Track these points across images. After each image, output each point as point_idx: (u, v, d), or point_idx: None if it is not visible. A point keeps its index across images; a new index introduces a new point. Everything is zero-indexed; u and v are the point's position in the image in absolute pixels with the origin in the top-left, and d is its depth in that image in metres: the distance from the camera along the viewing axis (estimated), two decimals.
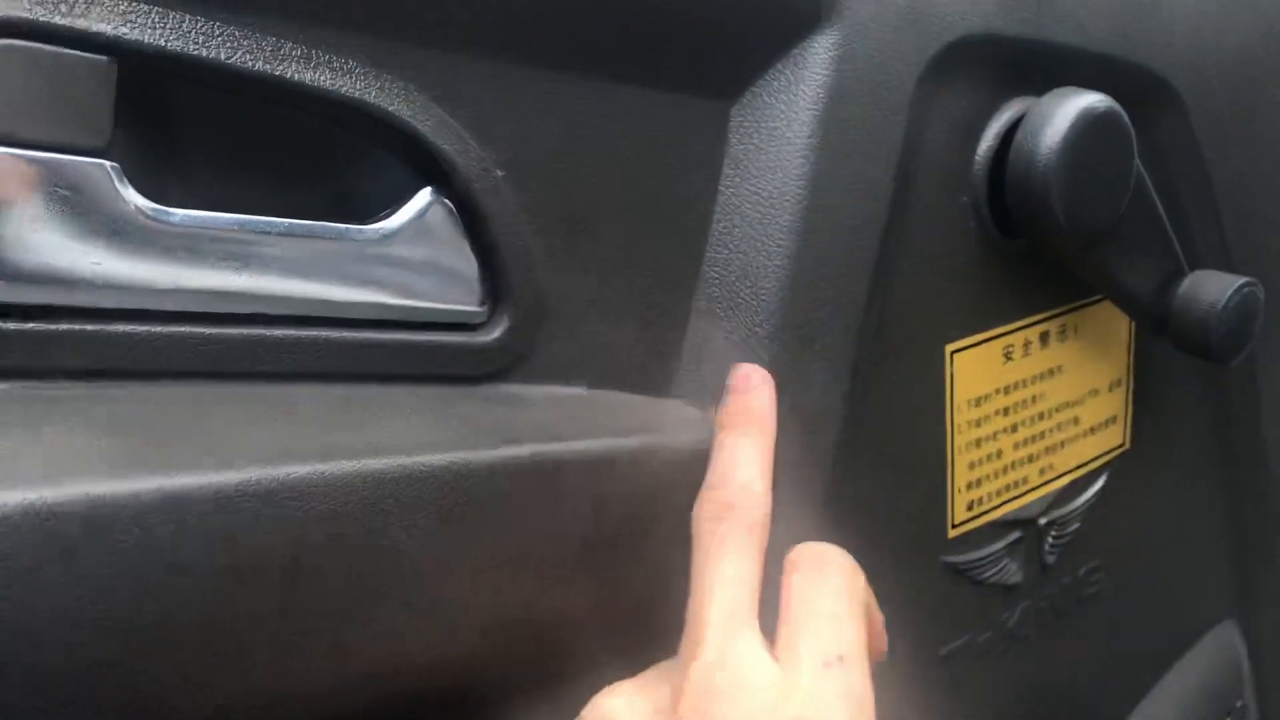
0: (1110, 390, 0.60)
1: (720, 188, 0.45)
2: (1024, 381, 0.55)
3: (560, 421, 0.40)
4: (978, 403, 0.53)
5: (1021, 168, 0.49)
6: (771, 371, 0.44)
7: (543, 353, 0.42)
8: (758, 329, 0.44)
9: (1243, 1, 0.58)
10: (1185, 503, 0.68)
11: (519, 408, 0.40)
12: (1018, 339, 0.54)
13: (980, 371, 0.53)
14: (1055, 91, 0.49)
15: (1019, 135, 0.49)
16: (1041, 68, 0.51)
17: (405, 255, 0.38)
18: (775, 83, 0.45)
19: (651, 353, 0.45)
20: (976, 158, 0.50)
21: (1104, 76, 0.53)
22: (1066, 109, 0.48)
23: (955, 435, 0.53)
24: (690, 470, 0.42)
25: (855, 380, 0.47)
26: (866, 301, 0.46)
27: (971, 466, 0.54)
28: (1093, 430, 0.60)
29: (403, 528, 0.34)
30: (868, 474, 0.50)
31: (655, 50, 0.42)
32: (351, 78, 0.36)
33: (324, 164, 0.38)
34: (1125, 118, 0.49)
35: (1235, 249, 0.61)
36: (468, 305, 0.40)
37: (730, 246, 0.45)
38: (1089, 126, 0.48)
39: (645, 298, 0.44)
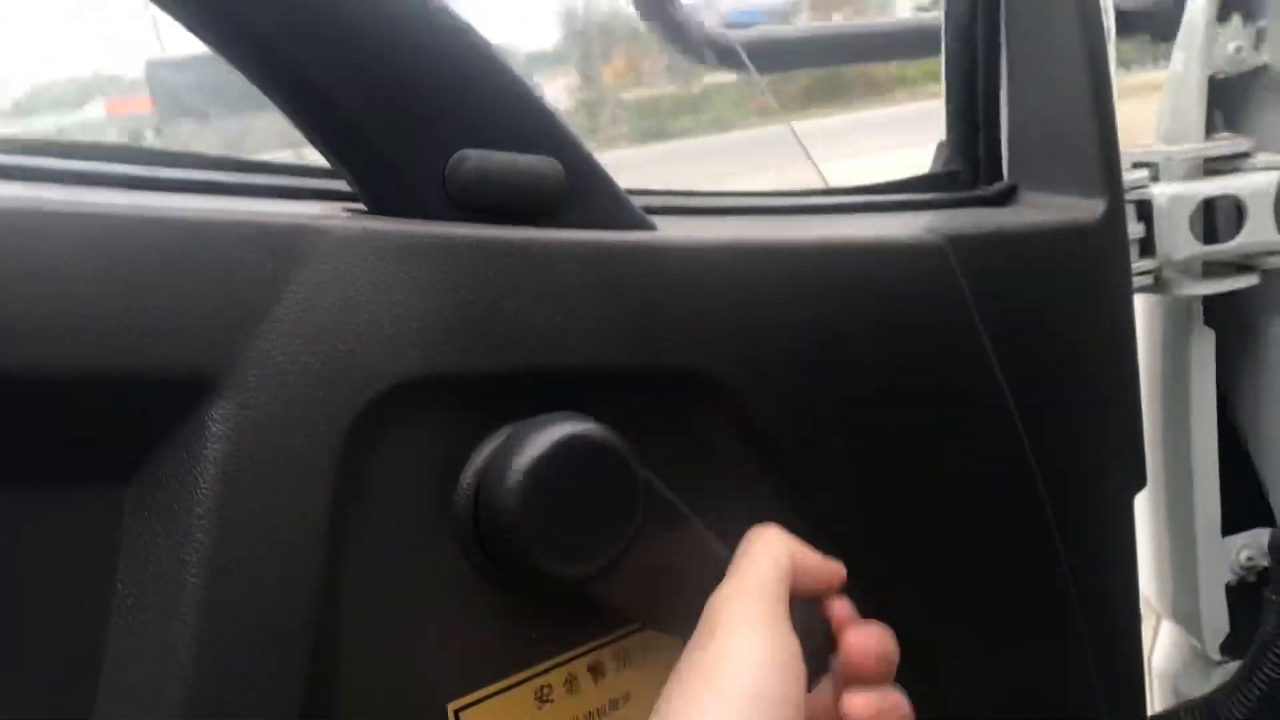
0: None
1: (119, 582, 0.41)
2: None
3: None
4: None
5: (488, 512, 0.45)
6: None
7: None
8: None
9: (800, 286, 0.55)
10: None
11: None
12: (555, 678, 0.49)
13: None
14: (524, 422, 0.46)
15: (485, 476, 0.45)
16: (535, 393, 0.47)
17: None
18: (171, 460, 0.41)
19: None
20: (455, 498, 0.46)
21: (629, 387, 0.50)
22: (528, 445, 0.45)
23: None
24: None
25: None
26: (306, 686, 0.42)
27: None
28: None
29: None
30: None
31: None
32: None
33: None
34: (607, 439, 0.46)
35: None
36: None
37: (139, 648, 0.41)
38: (553, 458, 0.44)
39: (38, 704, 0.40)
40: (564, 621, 0.50)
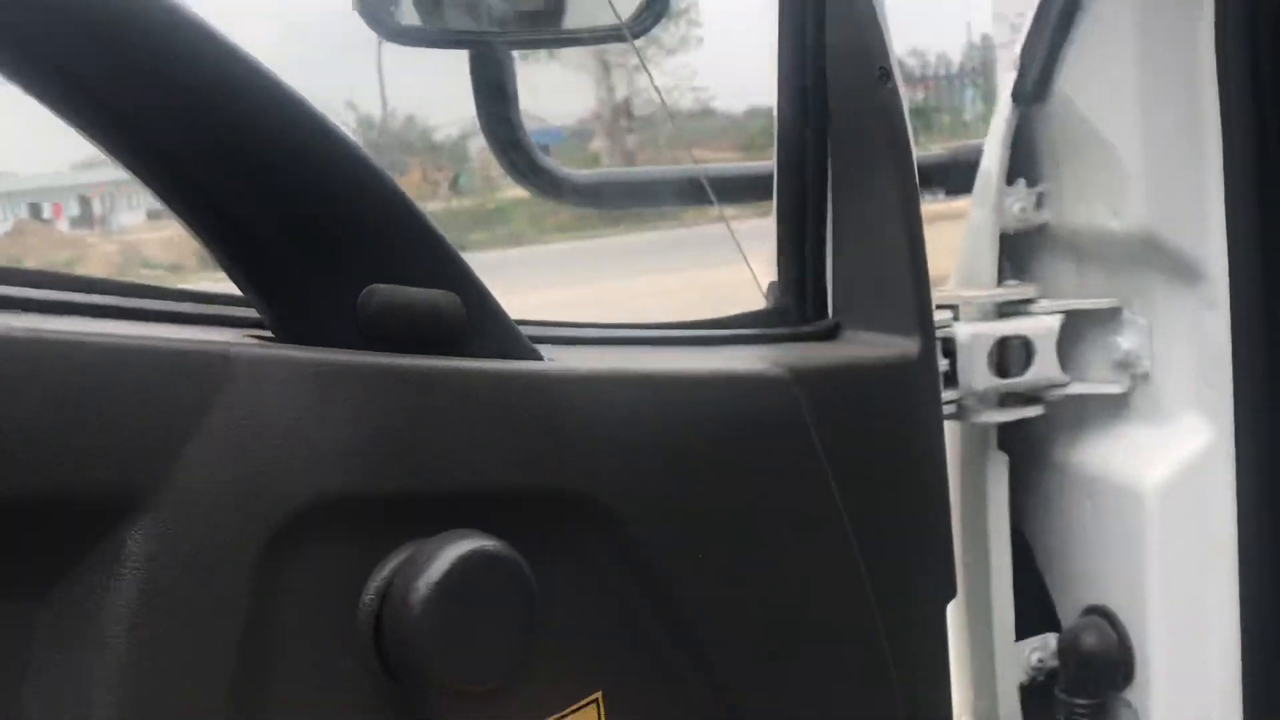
0: None
1: (24, 704, 0.41)
2: None
3: None
4: None
5: (390, 626, 0.47)
6: None
7: None
8: None
9: (673, 414, 0.60)
10: None
11: None
12: None
13: None
14: (426, 540, 0.48)
15: (387, 592, 0.48)
16: (436, 513, 0.50)
17: None
18: (88, 578, 0.42)
19: None
20: (358, 613, 0.48)
21: (521, 508, 0.53)
22: (430, 561, 0.47)
23: None
24: None
25: None
26: None
27: None
28: None
29: None
30: None
31: None
32: None
33: None
34: (504, 553, 0.49)
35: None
36: None
37: None
38: (454, 573, 0.47)
39: None
40: None
